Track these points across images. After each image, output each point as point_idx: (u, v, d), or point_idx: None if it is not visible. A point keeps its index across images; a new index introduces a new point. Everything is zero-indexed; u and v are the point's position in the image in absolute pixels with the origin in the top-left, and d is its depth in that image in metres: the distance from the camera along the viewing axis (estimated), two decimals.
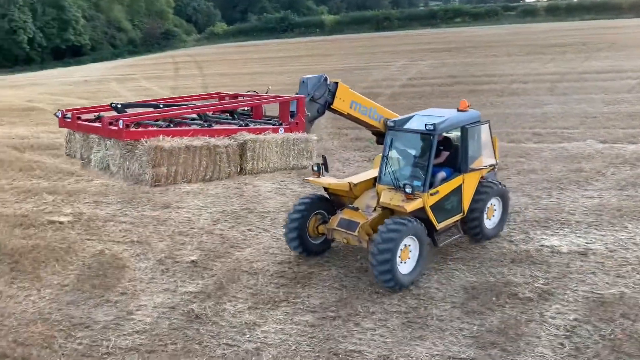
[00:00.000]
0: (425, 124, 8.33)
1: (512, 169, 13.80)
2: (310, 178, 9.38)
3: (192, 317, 7.94)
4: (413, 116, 8.92)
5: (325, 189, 9.55)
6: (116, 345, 7.36)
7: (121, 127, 6.84)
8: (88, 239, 11.19)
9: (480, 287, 8.18)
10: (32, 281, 9.80)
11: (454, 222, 8.94)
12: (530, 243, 9.57)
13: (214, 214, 12.19)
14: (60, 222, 12.29)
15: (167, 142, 7.00)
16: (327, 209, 9.45)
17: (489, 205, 9.28)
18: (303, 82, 8.75)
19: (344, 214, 8.93)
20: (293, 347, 7.04)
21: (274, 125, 8.26)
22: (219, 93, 10.07)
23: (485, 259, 9.05)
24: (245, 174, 7.87)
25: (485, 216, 9.28)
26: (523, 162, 14.40)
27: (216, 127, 7.92)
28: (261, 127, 8.10)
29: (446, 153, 9.10)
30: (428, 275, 8.58)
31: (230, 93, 9.89)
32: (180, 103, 9.20)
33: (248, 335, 7.39)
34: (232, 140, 7.58)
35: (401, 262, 8.02)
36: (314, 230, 9.30)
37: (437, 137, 8.34)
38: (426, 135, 8.42)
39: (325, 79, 8.77)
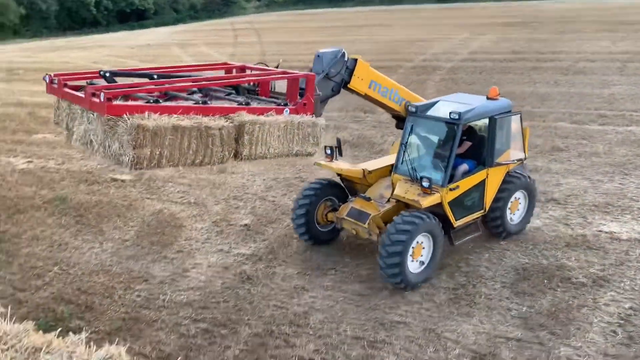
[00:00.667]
0: (450, 112, 7.60)
1: (572, 151, 13.31)
2: (322, 161, 8.72)
3: (244, 278, 8.23)
4: (437, 101, 8.28)
5: (338, 174, 8.93)
6: (172, 300, 7.73)
7: (102, 100, 6.03)
8: (148, 198, 11.67)
9: (532, 269, 8.05)
10: (95, 234, 10.38)
11: (474, 219, 8.26)
12: (587, 228, 9.29)
13: (267, 180, 12.42)
14: (123, 180, 12.86)
15: (152, 120, 6.14)
16: (338, 196, 8.85)
17: (512, 199, 8.63)
18: (318, 56, 8.01)
19: (355, 203, 8.31)
20: (339, 314, 7.20)
21: (278, 105, 7.43)
22: (226, 64, 9.22)
23: (539, 241, 8.87)
24: (242, 159, 7.06)
25: (508, 211, 8.64)
26: (585, 144, 13.85)
27: (213, 104, 7.09)
28: (264, 106, 7.29)
29: (468, 144, 8.36)
30: (479, 254, 8.51)
31: (239, 64, 9.00)
32: (177, 74, 8.34)
33: (296, 299, 7.59)
34: (228, 122, 6.75)
35: (412, 260, 7.50)
36: (322, 217, 8.76)
37: (461, 127, 7.72)
38: (450, 125, 7.78)
39: (343, 55, 8.01)
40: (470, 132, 8.46)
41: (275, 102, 7.59)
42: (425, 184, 7.47)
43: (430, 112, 8.08)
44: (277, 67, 8.55)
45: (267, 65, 8.59)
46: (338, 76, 8.00)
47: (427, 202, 7.43)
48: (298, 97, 7.58)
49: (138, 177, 12.93)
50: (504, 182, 8.39)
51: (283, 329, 6.94)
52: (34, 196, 12.77)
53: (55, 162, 14.59)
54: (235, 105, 7.14)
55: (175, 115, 6.38)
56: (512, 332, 6.72)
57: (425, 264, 7.67)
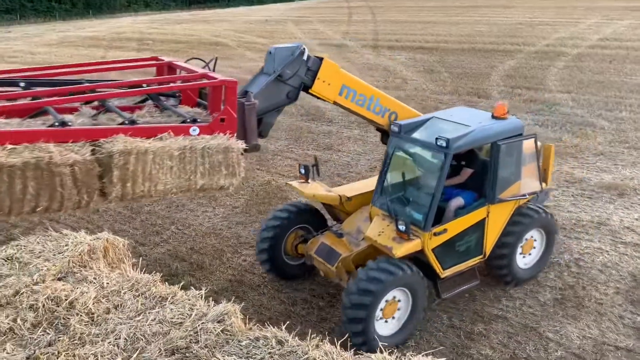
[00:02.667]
0: (437, 138, 6.11)
1: None
2: (294, 183, 7.47)
3: None
4: (430, 119, 6.77)
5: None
6: None
7: None
8: (258, 169, 12.20)
9: None
10: (209, 200, 11.09)
11: (469, 267, 6.81)
12: None
13: (371, 161, 12.46)
14: None
15: None
16: (315, 223, 7.43)
17: (524, 240, 7.15)
18: (270, 53, 6.44)
19: (327, 238, 6.93)
20: (436, 301, 7.16)
21: (185, 121, 5.64)
22: (156, 59, 7.38)
23: None
24: (111, 201, 5.16)
25: (519, 254, 7.16)
26: None
27: (77, 126, 5.14)
28: (158, 125, 5.52)
29: (469, 171, 6.94)
30: (591, 255, 8.03)
31: (167, 60, 7.15)
32: (58, 80, 6.39)
33: None
34: (88, 153, 4.90)
35: (382, 319, 6.14)
36: (292, 248, 7.38)
37: (450, 157, 6.15)
38: (437, 153, 6.29)
39: (302, 52, 6.38)
40: (472, 157, 7.02)
41: (183, 117, 5.83)
42: (402, 227, 6.02)
43: (416, 134, 6.56)
44: (205, 66, 6.71)
45: (205, 63, 6.76)
46: (295, 79, 6.43)
47: (401, 251, 5.95)
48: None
49: None
50: (513, 220, 6.92)
51: None
52: None
53: None
54: (112, 125, 5.36)
55: (9, 146, 4.60)
56: (622, 341, 6.33)
57: (401, 325, 6.29)
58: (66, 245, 4.44)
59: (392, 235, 6.10)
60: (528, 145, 6.80)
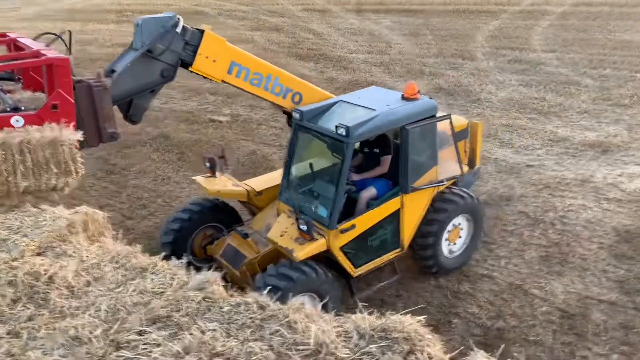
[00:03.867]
0: (337, 127, 5.60)
1: None
2: (199, 178, 6.84)
3: None
4: (335, 103, 6.28)
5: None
6: None
7: None
8: (243, 139, 12.10)
9: (636, 231, 7.55)
10: (194, 171, 10.99)
11: (385, 262, 6.39)
12: None
13: None
14: (220, 121, 13.38)
15: None
16: (226, 221, 6.82)
17: (450, 227, 6.68)
18: (137, 25, 5.63)
19: (233, 239, 6.40)
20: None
21: (4, 111, 4.86)
22: (2, 35, 6.49)
23: None
24: None
25: (445, 242, 6.72)
26: None
27: None
28: None
29: (389, 158, 6.39)
30: (576, 213, 8.10)
31: (13, 36, 6.31)
32: None
33: None
34: None
35: None
36: (200, 250, 6.78)
37: (352, 147, 5.69)
38: (337, 142, 5.79)
39: (176, 24, 5.61)
40: (385, 143, 6.44)
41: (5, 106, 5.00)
42: (303, 227, 5.50)
43: (319, 121, 5.99)
44: (52, 42, 5.92)
45: (57, 35, 5.97)
46: (168, 54, 5.67)
47: (303, 253, 5.45)
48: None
49: (234, 119, 13.41)
50: (435, 207, 6.45)
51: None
52: (140, 132, 13.64)
53: (160, 101, 15.41)
54: None
55: None
56: (605, 294, 6.43)
57: None
58: (44, 221, 4.39)
59: (296, 235, 5.59)
60: (443, 126, 6.30)
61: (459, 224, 6.80)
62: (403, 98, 6.17)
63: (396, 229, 6.23)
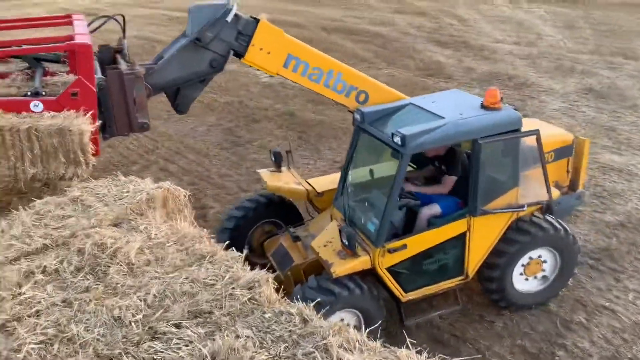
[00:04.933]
0: (392, 134, 5.03)
1: None
2: (264, 171, 6.55)
3: None
4: (404, 106, 5.62)
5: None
6: None
7: None
8: None
9: None
10: (312, 151, 11.11)
11: (444, 289, 5.68)
12: None
13: None
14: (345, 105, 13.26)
15: None
16: (287, 217, 6.47)
17: (527, 259, 5.81)
18: (191, 11, 5.45)
19: (285, 240, 6.01)
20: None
21: (27, 95, 4.82)
22: (69, 16, 6.31)
23: None
24: None
25: (519, 275, 5.87)
26: None
27: None
28: None
29: (451, 179, 5.74)
30: None
31: (77, 17, 6.20)
32: None
33: None
34: None
35: None
36: (258, 245, 6.44)
37: (408, 158, 5.07)
38: (393, 151, 5.25)
39: (227, 12, 5.34)
40: (452, 158, 5.77)
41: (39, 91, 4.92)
42: (344, 240, 5.03)
43: (380, 126, 5.42)
44: (98, 24, 5.79)
45: (117, 20, 5.85)
46: (218, 44, 5.41)
47: (342, 269, 5.00)
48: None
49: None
50: (506, 236, 5.62)
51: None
52: (268, 108, 14.08)
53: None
54: None
55: None
56: None
57: None
58: (128, 192, 4.49)
59: (339, 247, 5.13)
60: (529, 143, 5.42)
61: (540, 256, 5.89)
62: (482, 107, 5.44)
63: (460, 255, 5.55)
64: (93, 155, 4.87)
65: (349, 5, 25.71)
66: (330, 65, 5.77)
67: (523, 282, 5.94)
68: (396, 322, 5.66)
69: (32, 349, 3.08)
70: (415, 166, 6.31)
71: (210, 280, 3.47)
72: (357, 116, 5.60)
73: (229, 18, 5.32)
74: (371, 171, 5.75)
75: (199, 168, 10.97)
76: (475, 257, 5.59)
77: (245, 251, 3.98)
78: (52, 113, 4.67)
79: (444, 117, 5.24)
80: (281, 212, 6.50)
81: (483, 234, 5.51)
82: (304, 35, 20.20)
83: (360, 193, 5.78)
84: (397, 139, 4.99)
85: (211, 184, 10.15)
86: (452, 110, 5.41)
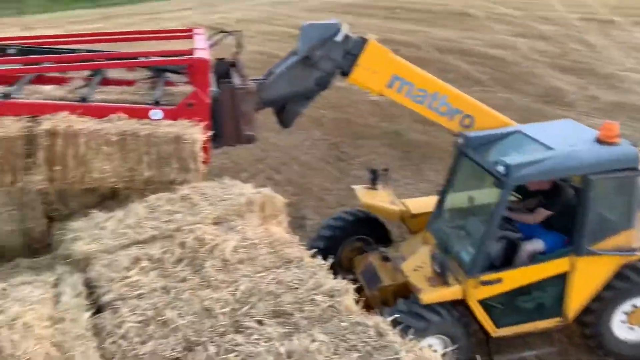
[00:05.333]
0: (496, 162, 4.92)
1: None
2: (359, 187, 6.57)
3: None
4: (511, 133, 5.46)
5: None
6: None
7: None
8: None
9: None
10: (414, 172, 11.08)
11: (539, 329, 5.41)
12: None
13: None
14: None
15: None
16: (376, 235, 6.42)
17: (630, 306, 5.34)
18: (303, 29, 5.65)
19: (375, 258, 5.96)
20: None
21: (148, 103, 5.17)
22: (191, 30, 6.69)
23: None
24: (39, 183, 4.94)
25: (620, 324, 5.37)
26: None
27: (22, 100, 4.98)
28: (108, 105, 5.12)
29: (545, 213, 5.40)
30: None
31: (198, 30, 6.55)
32: (53, 48, 6.20)
33: None
34: (18, 129, 4.77)
35: None
36: (347, 261, 6.40)
37: (510, 188, 4.97)
38: (495, 180, 5.03)
39: (337, 31, 5.46)
40: (554, 193, 5.50)
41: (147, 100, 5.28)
42: (436, 267, 5.01)
43: (484, 152, 5.31)
44: (214, 40, 6.08)
45: (232, 34, 6.17)
46: (327, 62, 5.54)
47: (430, 297, 4.94)
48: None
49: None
50: (616, 281, 5.23)
51: None
52: (375, 126, 14.23)
53: None
54: (55, 101, 5.01)
55: None
56: None
57: None
58: (231, 194, 4.80)
59: (430, 274, 5.10)
60: None
61: None
62: (597, 140, 5.19)
63: (560, 295, 5.30)
64: (203, 162, 5.19)
65: (467, 27, 25.29)
66: (436, 87, 5.78)
67: (627, 330, 5.49)
68: (484, 356, 5.39)
69: (132, 326, 3.43)
70: (519, 196, 6.10)
71: (295, 283, 3.63)
72: (460, 140, 5.55)
73: (339, 38, 5.52)
74: (470, 198, 5.67)
75: (303, 180, 11.32)
76: (576, 300, 5.31)
77: (330, 260, 4.09)
78: (170, 121, 5.05)
79: (553, 149, 5.08)
80: (372, 229, 6.54)
81: (587, 276, 5.23)
82: (417, 55, 20.19)
83: (456, 219, 5.71)
84: (501, 168, 4.89)
85: (312, 196, 10.43)
86: (563, 141, 5.22)
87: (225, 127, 5.44)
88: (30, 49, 6.02)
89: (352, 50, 5.64)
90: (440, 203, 5.80)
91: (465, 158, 5.57)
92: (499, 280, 5.08)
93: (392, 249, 6.21)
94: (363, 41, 5.66)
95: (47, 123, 4.69)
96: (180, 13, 35.92)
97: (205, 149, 5.17)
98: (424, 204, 6.40)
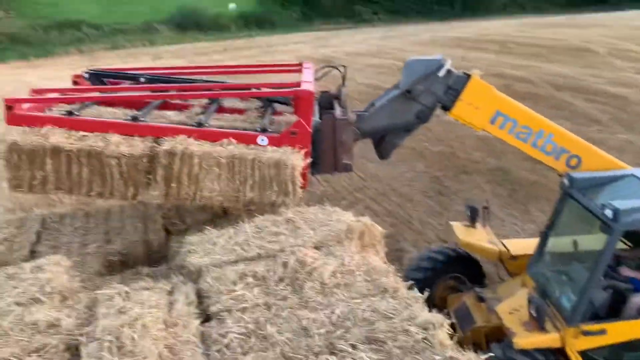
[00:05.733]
0: (603, 205, 4.71)
1: None
2: (457, 224, 6.52)
3: None
4: (624, 176, 5.23)
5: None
6: None
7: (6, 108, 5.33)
8: None
9: None
10: (521, 212, 10.73)
11: None
12: None
13: None
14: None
15: (30, 138, 5.11)
16: (470, 274, 6.38)
17: None
18: (406, 64, 5.71)
19: (469, 298, 5.87)
20: None
21: (256, 130, 5.55)
22: (301, 65, 7.00)
23: None
24: (157, 198, 5.45)
25: None
26: None
27: (155, 122, 5.59)
28: (221, 130, 5.55)
29: None
30: None
31: (307, 65, 6.90)
32: (178, 78, 6.87)
33: None
34: (142, 148, 5.26)
35: None
36: (440, 299, 6.37)
37: (618, 234, 4.73)
38: (603, 225, 4.78)
39: (440, 67, 5.49)
40: None
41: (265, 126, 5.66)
42: (534, 311, 4.84)
43: (591, 195, 5.08)
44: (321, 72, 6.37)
45: (339, 70, 6.36)
46: (427, 96, 5.58)
47: (525, 342, 4.78)
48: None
49: None
50: None
51: None
52: (480, 161, 13.95)
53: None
54: (175, 125, 5.51)
55: (81, 133, 5.24)
56: None
57: None
58: (331, 220, 5.00)
59: (526, 318, 4.95)
60: None
61: None
62: None
63: None
64: (301, 187, 5.50)
65: (586, 63, 24.12)
66: (541, 124, 5.69)
67: None
68: None
69: (235, 337, 3.69)
70: (630, 244, 5.74)
71: (389, 313, 3.70)
72: (566, 181, 5.40)
73: (441, 73, 5.62)
74: (575, 242, 5.49)
75: (402, 212, 11.34)
76: None
77: (426, 293, 4.12)
78: (274, 147, 5.43)
79: None
80: (467, 268, 6.54)
81: None
82: (530, 91, 19.58)
83: (559, 264, 5.55)
84: (609, 212, 4.72)
85: (411, 229, 10.41)
86: None
87: (325, 155, 5.72)
88: (157, 78, 6.75)
89: (454, 86, 5.71)
90: (542, 245, 5.65)
91: (571, 200, 5.39)
92: (602, 332, 4.86)
93: (488, 290, 6.11)
94: (466, 77, 5.74)
95: (167, 144, 5.23)
96: (294, 46, 37.70)
97: (304, 175, 5.47)
98: (524, 245, 6.26)
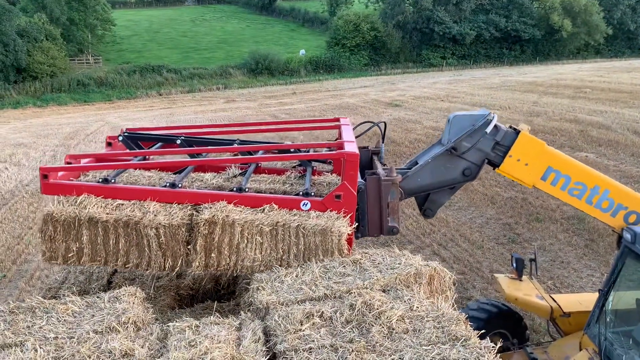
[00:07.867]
0: None
1: None
2: (502, 277, 6.30)
3: None
4: None
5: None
6: None
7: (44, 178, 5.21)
8: None
9: None
10: (599, 263, 10.22)
11: None
12: None
13: None
14: None
15: (66, 209, 5.00)
16: (515, 330, 6.10)
17: None
18: (450, 120, 5.53)
19: (520, 356, 5.64)
20: None
21: (299, 194, 5.32)
22: (337, 120, 6.99)
23: None
24: (195, 270, 5.12)
25: None
26: None
27: (186, 189, 5.36)
28: (263, 195, 5.27)
29: None
30: None
31: (343, 121, 6.80)
32: (214, 139, 6.60)
33: None
34: (183, 217, 5.03)
35: None
36: None
37: None
38: None
39: (487, 123, 5.30)
40: None
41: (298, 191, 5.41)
42: None
43: None
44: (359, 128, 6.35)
45: (379, 127, 6.25)
46: (474, 153, 5.38)
47: None
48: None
49: None
50: None
51: None
52: (556, 209, 13.44)
53: None
54: (215, 191, 5.30)
55: (118, 202, 5.11)
56: None
57: None
58: (399, 264, 4.92)
59: None
60: None
61: None
62: None
63: None
64: (346, 253, 5.28)
65: None
66: (596, 180, 5.43)
67: None
68: None
69: None
70: None
71: None
72: (627, 235, 5.10)
73: (489, 129, 5.42)
74: (639, 301, 5.11)
75: (471, 259, 11.03)
76: None
77: (500, 344, 3.94)
78: (318, 213, 5.22)
79: None
80: (510, 323, 6.26)
81: None
82: (607, 137, 18.83)
83: (622, 324, 5.16)
84: None
85: (480, 276, 10.09)
86: None
87: (370, 218, 5.50)
88: (194, 140, 6.60)
89: (502, 142, 5.52)
90: (602, 303, 5.25)
91: (633, 255, 5.08)
92: None
93: (539, 349, 5.76)
94: (515, 132, 5.52)
95: (207, 212, 5.01)
96: (360, 90, 38.30)
97: (349, 241, 5.31)
98: (578, 301, 6.04)
